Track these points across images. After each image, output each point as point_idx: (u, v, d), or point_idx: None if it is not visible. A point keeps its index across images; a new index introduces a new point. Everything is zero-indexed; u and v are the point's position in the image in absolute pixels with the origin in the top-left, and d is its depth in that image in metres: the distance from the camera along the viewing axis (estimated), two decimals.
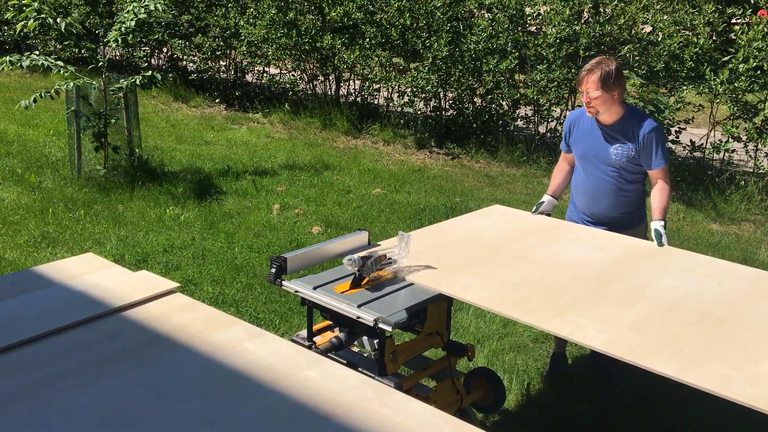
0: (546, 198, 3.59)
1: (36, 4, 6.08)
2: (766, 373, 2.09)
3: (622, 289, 2.64)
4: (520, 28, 8.10)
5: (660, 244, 3.13)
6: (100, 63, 6.48)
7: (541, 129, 8.54)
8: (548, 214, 3.55)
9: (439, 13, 8.22)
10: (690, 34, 7.27)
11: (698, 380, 2.04)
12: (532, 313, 2.40)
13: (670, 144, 7.48)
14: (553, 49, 7.60)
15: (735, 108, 6.91)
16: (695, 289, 2.67)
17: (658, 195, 3.35)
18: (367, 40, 8.76)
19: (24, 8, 6.08)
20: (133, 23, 6.28)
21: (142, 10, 6.30)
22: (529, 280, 2.68)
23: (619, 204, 3.45)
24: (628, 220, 3.48)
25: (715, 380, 2.04)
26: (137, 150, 6.86)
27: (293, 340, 2.68)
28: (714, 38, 7.38)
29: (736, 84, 6.73)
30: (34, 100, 6.04)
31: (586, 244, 3.12)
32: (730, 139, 7.12)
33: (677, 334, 2.30)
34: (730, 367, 2.11)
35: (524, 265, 2.85)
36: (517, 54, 8.03)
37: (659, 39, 7.35)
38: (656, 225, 3.21)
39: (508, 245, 3.07)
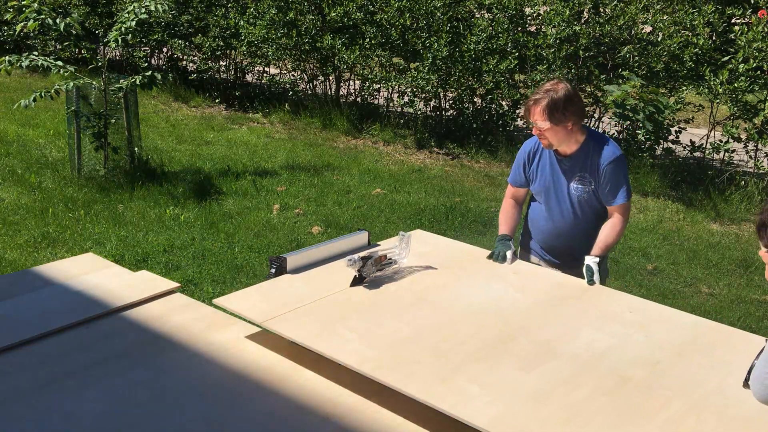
0: (511, 242, 3.07)
1: (36, 5, 6.07)
2: None
3: (530, 344, 2.23)
4: (519, 29, 8.10)
5: (590, 282, 2.77)
6: (100, 63, 6.48)
7: None
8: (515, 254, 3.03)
9: (439, 14, 8.22)
10: (690, 34, 7.28)
11: None
12: (413, 378, 2.00)
13: (670, 143, 7.48)
14: (553, 50, 7.60)
15: (735, 108, 6.91)
16: (617, 344, 2.26)
17: (607, 230, 2.97)
18: (367, 40, 8.76)
19: (24, 9, 6.08)
20: (133, 23, 6.27)
21: (143, 10, 6.30)
22: (423, 333, 2.27)
23: (581, 241, 3.05)
24: (581, 255, 2.98)
25: None
26: (137, 150, 6.86)
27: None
28: (714, 39, 7.39)
29: (736, 84, 6.73)
30: (34, 100, 6.04)
31: (506, 284, 2.71)
32: (730, 140, 7.12)
33: (583, 406, 1.91)
34: None
35: (423, 311, 2.43)
36: (517, 54, 8.03)
37: (659, 39, 7.35)
38: (590, 260, 2.84)
39: (411, 285, 2.64)
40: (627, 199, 2.96)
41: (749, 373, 1.82)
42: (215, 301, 2.45)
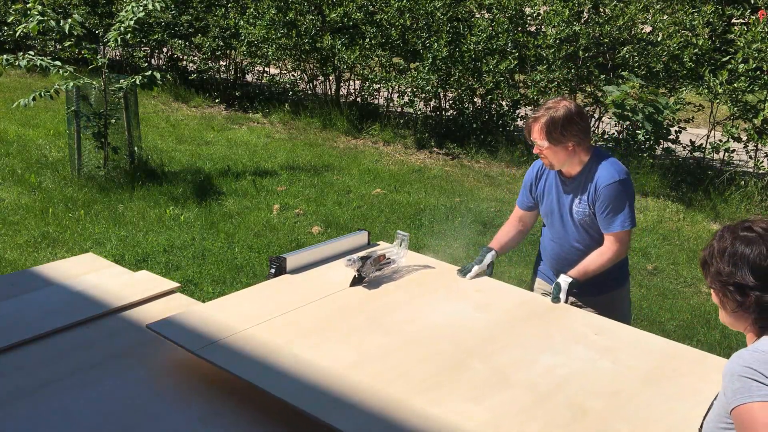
0: (491, 255, 2.90)
1: (39, 6, 6.07)
2: None
3: (484, 372, 2.06)
4: (519, 29, 8.11)
5: (555, 299, 2.62)
6: (100, 63, 6.48)
7: None
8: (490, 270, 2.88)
9: (439, 14, 8.22)
10: (689, 34, 7.28)
11: None
12: (350, 412, 1.82)
13: (670, 143, 7.47)
14: (552, 50, 7.60)
15: (735, 108, 6.91)
16: (579, 371, 2.09)
17: (593, 255, 2.76)
18: (367, 40, 8.76)
19: (28, 10, 6.08)
20: (132, 22, 6.28)
21: (141, 8, 6.30)
22: (369, 359, 2.08)
23: None
24: (602, 284, 2.82)
25: None
26: (137, 150, 6.86)
27: None
28: (713, 39, 7.39)
29: (735, 84, 6.73)
30: (33, 99, 6.04)
31: (466, 302, 2.53)
32: (730, 140, 7.12)
33: None
34: None
35: (374, 334, 2.25)
36: (516, 54, 8.04)
37: (659, 39, 7.35)
38: (562, 279, 2.67)
39: (367, 303, 2.47)
40: (623, 228, 2.71)
41: (701, 427, 1.68)
42: (149, 325, 2.24)
